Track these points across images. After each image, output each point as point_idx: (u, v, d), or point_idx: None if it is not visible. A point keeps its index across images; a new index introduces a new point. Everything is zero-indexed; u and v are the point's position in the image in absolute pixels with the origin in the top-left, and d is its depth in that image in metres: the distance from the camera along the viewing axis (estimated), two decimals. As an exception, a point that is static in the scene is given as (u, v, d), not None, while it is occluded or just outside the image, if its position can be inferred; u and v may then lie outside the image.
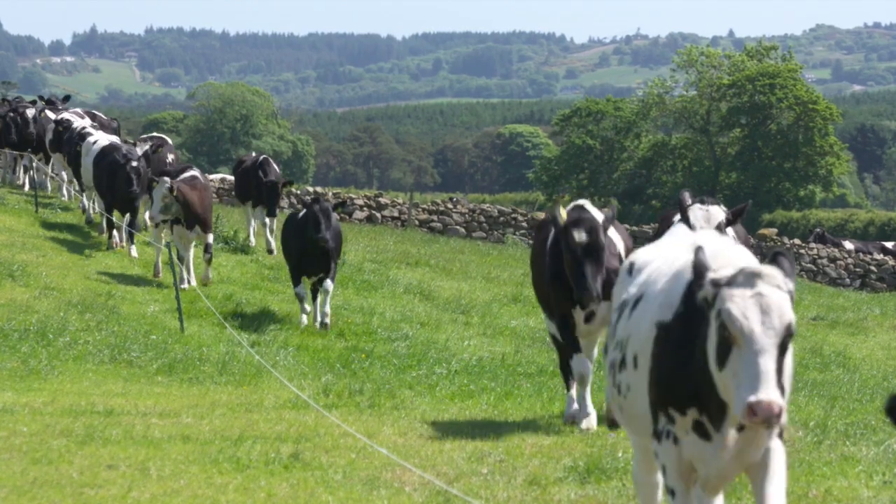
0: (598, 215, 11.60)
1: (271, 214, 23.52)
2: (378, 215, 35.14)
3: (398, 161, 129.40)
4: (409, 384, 14.06)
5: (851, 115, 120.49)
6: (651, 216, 63.53)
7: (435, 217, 36.01)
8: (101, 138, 23.29)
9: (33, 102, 30.13)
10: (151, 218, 20.10)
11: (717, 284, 5.93)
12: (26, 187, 28.51)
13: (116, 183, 21.41)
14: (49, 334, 15.54)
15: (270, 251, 23.71)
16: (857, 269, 36.11)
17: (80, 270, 20.39)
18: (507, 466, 9.90)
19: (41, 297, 18.07)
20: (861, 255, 37.08)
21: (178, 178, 19.96)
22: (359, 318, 18.94)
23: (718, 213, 11.24)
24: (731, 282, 5.89)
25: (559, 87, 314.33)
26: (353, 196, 36.74)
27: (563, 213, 11.55)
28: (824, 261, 35.97)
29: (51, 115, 27.71)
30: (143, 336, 16.20)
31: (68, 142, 25.23)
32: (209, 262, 20.33)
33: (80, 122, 25.88)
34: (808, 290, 28.76)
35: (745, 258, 6.42)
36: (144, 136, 28.12)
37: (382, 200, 36.14)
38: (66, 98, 31.39)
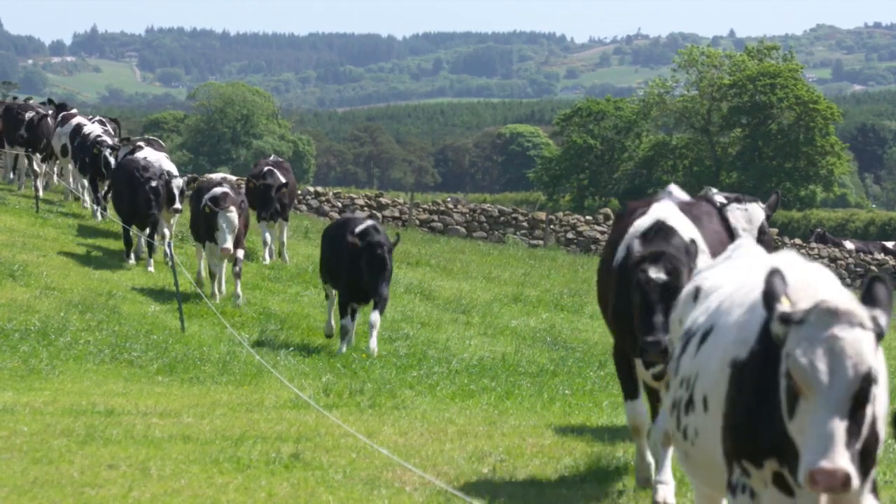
0: (686, 225, 8.98)
1: (262, 218, 22.32)
2: (379, 215, 35.12)
3: (399, 161, 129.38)
4: (409, 384, 14.05)
5: (852, 115, 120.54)
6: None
7: (435, 217, 36.03)
8: (149, 154, 22.16)
9: (42, 104, 30.06)
10: (224, 250, 18.68)
11: (786, 321, 5.17)
12: (23, 188, 28.46)
13: (136, 202, 20.83)
14: (50, 334, 15.54)
15: (266, 259, 22.89)
16: (858, 269, 36.12)
17: (80, 270, 20.36)
18: (507, 466, 9.90)
19: (42, 296, 18.06)
20: (862, 254, 37.13)
21: (213, 195, 19.04)
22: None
23: (759, 211, 10.24)
24: (803, 320, 5.12)
25: (560, 87, 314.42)
26: (354, 196, 36.75)
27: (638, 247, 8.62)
28: (825, 261, 35.96)
29: (50, 121, 27.59)
30: (144, 336, 16.20)
31: (80, 148, 25.01)
32: (238, 275, 19.42)
33: (91, 127, 25.64)
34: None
35: (830, 286, 5.55)
36: (138, 138, 27.71)
37: (383, 200, 36.15)
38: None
